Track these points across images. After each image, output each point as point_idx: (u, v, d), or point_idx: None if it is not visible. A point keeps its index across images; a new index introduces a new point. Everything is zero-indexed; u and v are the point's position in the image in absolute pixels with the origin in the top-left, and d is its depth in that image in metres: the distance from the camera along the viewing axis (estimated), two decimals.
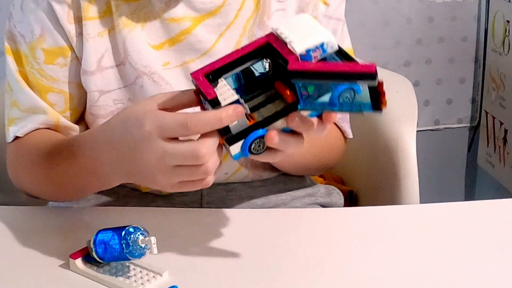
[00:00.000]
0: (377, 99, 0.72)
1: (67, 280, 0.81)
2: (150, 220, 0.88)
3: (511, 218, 0.96)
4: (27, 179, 0.98)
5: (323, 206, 1.11)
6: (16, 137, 0.99)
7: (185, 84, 0.97)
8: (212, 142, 0.76)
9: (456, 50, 2.09)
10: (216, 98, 0.75)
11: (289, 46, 0.75)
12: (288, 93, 0.76)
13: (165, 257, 0.84)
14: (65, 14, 0.95)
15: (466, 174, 2.25)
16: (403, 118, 1.21)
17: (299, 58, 0.73)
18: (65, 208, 0.98)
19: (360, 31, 1.98)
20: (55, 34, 0.96)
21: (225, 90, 0.77)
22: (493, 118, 2.06)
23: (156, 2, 0.96)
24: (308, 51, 0.73)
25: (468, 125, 2.18)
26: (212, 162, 0.77)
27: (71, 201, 1.00)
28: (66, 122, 1.00)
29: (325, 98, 0.74)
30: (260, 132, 0.76)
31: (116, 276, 0.80)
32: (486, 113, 2.09)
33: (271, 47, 0.77)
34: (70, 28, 0.95)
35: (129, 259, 0.79)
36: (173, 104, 0.79)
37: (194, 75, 0.77)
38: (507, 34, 1.95)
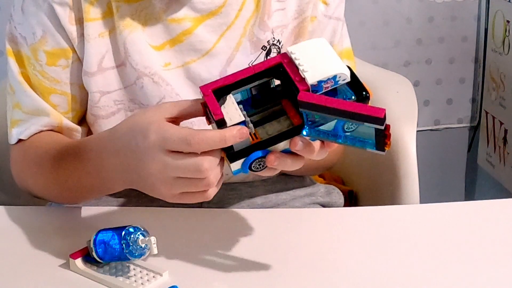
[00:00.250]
0: (382, 140, 0.72)
1: (67, 280, 0.81)
2: (150, 220, 0.88)
3: (511, 218, 0.96)
4: (32, 181, 0.98)
5: (323, 205, 1.11)
6: (20, 139, 0.99)
7: (185, 85, 0.97)
8: (215, 157, 0.76)
9: (456, 50, 2.09)
10: (223, 119, 0.75)
11: (301, 73, 0.75)
12: (294, 114, 0.77)
13: (165, 257, 0.84)
14: (66, 16, 0.95)
15: (466, 174, 2.24)
16: (403, 118, 1.21)
17: (310, 89, 0.74)
18: (65, 208, 0.98)
19: (360, 31, 1.98)
20: (57, 36, 0.96)
21: (232, 109, 0.76)
22: (493, 118, 2.05)
23: (156, 3, 0.96)
24: (320, 82, 0.73)
25: (468, 125, 2.18)
26: (214, 175, 0.77)
27: (75, 204, 1.00)
28: (69, 123, 1.00)
29: (331, 125, 0.74)
30: (261, 153, 0.77)
31: (116, 276, 0.80)
32: (486, 113, 2.09)
33: (283, 69, 0.77)
34: (72, 29, 0.95)
35: (129, 259, 0.79)
36: (180, 114, 0.79)
37: (203, 89, 0.77)
38: (507, 34, 1.94)
